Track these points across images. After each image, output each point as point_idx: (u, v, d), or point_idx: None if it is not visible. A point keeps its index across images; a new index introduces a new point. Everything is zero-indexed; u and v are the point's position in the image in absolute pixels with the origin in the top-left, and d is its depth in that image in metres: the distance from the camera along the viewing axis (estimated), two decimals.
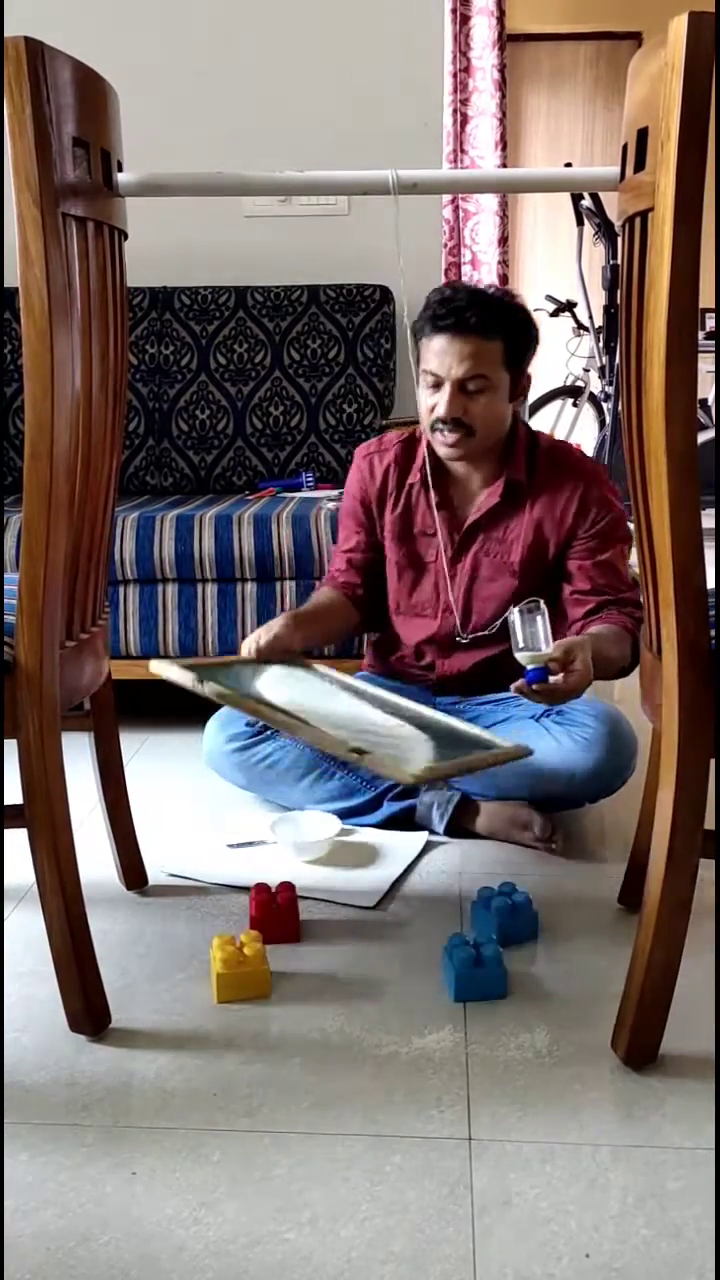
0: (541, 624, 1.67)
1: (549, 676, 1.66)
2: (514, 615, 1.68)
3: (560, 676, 1.66)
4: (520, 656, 1.67)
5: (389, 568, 2.09)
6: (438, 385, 1.89)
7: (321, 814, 1.93)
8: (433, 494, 2.00)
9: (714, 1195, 1.13)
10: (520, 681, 1.67)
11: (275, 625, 1.91)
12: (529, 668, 1.66)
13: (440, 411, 1.89)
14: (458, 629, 2.03)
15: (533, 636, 1.67)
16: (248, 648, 1.88)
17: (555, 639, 1.74)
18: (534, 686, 1.66)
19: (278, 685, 1.79)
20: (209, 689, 1.67)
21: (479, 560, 2.01)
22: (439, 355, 1.88)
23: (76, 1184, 1.16)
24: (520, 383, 1.94)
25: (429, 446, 2.00)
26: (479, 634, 2.02)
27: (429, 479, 1.99)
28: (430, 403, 1.91)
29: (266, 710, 1.63)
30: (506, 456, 1.99)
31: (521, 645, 1.67)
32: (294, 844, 1.85)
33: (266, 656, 1.87)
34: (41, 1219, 1.11)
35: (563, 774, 1.88)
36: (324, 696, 1.80)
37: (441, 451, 1.96)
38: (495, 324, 1.87)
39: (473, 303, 1.86)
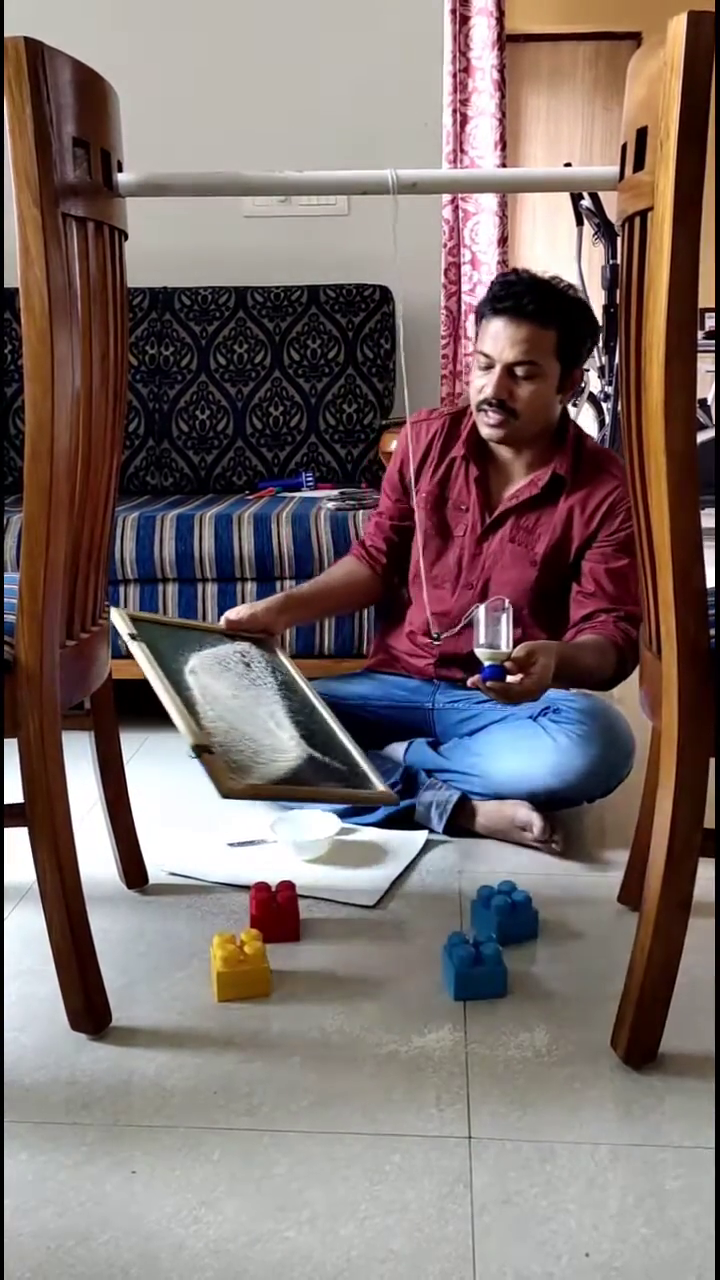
0: (505, 623, 1.72)
1: (504, 675, 1.71)
2: (479, 611, 1.72)
3: (517, 677, 1.70)
4: (479, 652, 1.73)
5: (416, 534, 2.11)
6: (489, 367, 1.94)
7: (321, 813, 1.93)
8: (473, 468, 2.04)
9: (713, 1194, 1.13)
10: (475, 677, 1.72)
11: (260, 606, 2.00)
12: (485, 664, 1.71)
13: (487, 392, 1.94)
14: (431, 630, 2.05)
15: (494, 634, 1.72)
16: (225, 616, 1.98)
17: (557, 637, 1.75)
18: (488, 683, 1.71)
19: (212, 664, 1.82)
20: (134, 646, 1.73)
21: (504, 545, 2.03)
22: (493, 338, 1.92)
23: (76, 1183, 1.16)
24: (572, 376, 1.98)
25: (475, 426, 2.04)
26: (450, 633, 2.03)
27: (472, 453, 2.04)
28: (480, 383, 1.96)
29: (160, 685, 1.67)
30: (554, 449, 2.02)
31: (482, 641, 1.72)
32: (294, 843, 1.85)
33: (236, 630, 1.97)
34: (41, 1218, 1.11)
35: (559, 772, 1.88)
36: (247, 687, 1.83)
37: (484, 431, 2.00)
38: (552, 313, 1.91)
39: (532, 289, 1.91)
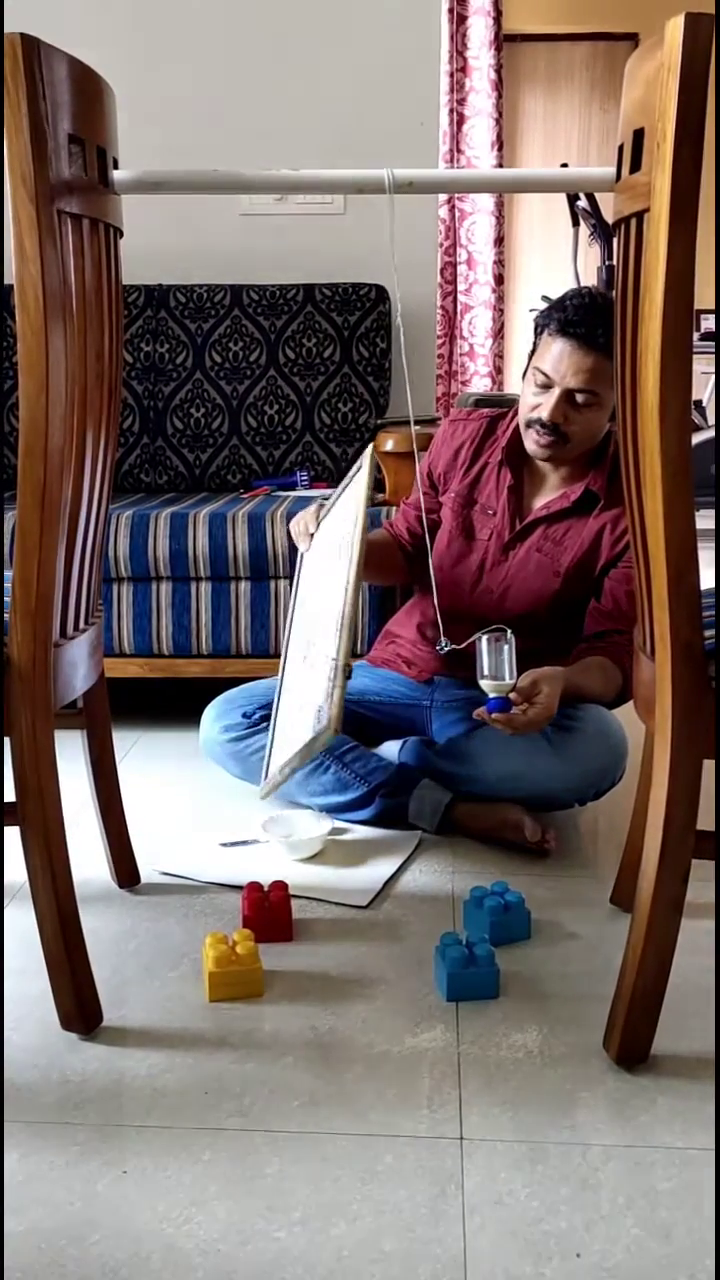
0: (507, 654, 1.70)
1: (510, 707, 1.70)
2: (481, 642, 1.70)
3: (522, 708, 1.70)
4: (484, 684, 1.71)
5: (441, 532, 2.10)
6: (547, 386, 1.89)
7: (314, 813, 1.93)
8: (508, 474, 2.02)
9: (705, 1195, 1.13)
10: (481, 709, 1.72)
11: (317, 509, 2.00)
12: (490, 696, 1.70)
13: (543, 415, 1.89)
14: (443, 642, 2.02)
15: (497, 665, 1.70)
16: (301, 525, 2.02)
17: (572, 649, 1.74)
18: (493, 715, 1.70)
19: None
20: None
21: (530, 554, 2.01)
22: (556, 360, 1.87)
23: (67, 1183, 1.15)
24: None
25: (515, 433, 2.01)
26: (457, 648, 2.01)
27: (509, 460, 2.02)
28: (534, 401, 1.91)
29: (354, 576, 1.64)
30: (591, 464, 1.99)
31: (486, 673, 1.70)
32: (286, 843, 1.85)
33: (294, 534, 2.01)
34: (32, 1217, 1.11)
35: (552, 774, 1.88)
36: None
37: (530, 449, 1.97)
38: None
39: (608, 319, 1.83)
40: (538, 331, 1.93)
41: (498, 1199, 1.13)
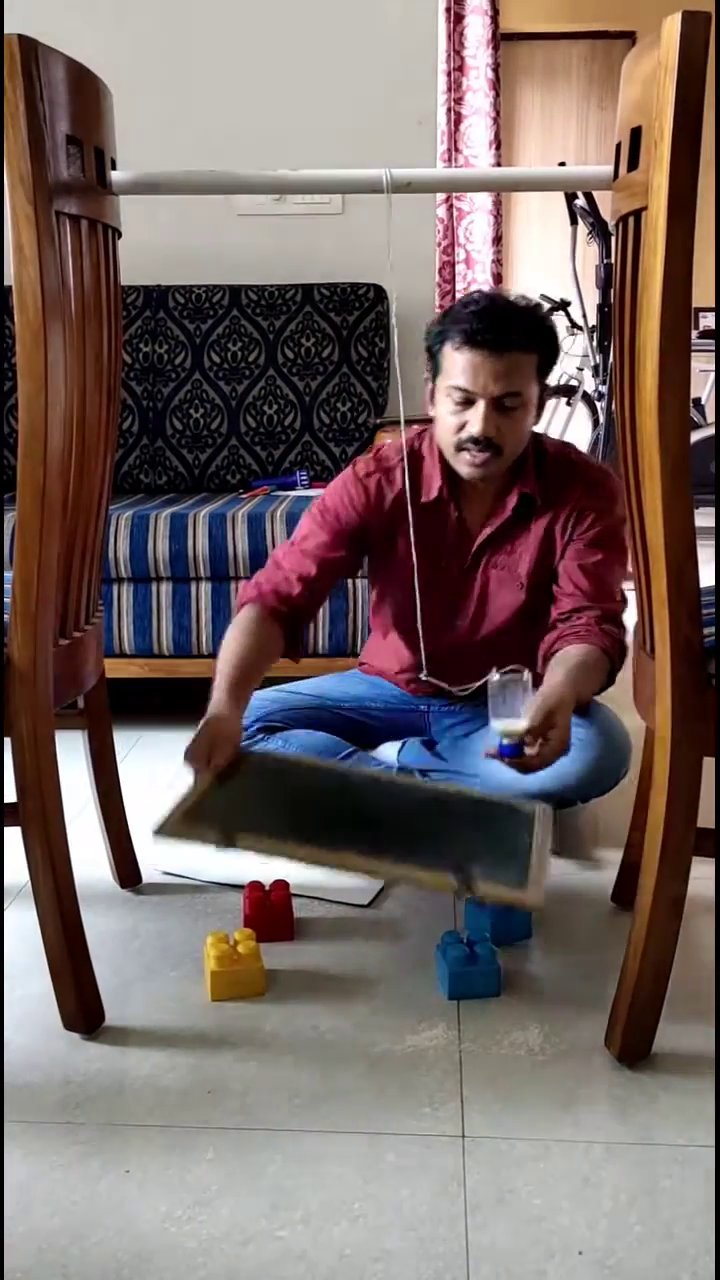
0: (521, 695, 1.61)
1: (523, 750, 1.60)
2: (493, 682, 1.62)
3: (536, 747, 1.60)
4: (495, 724, 1.61)
5: (401, 584, 1.95)
6: (468, 402, 1.79)
7: None
8: (453, 509, 1.92)
9: (706, 1192, 1.14)
10: (493, 750, 1.62)
11: (215, 729, 1.62)
12: (502, 742, 1.60)
13: (475, 430, 1.78)
14: (423, 665, 1.98)
15: (513, 708, 1.61)
16: (201, 765, 1.61)
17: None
18: (507, 760, 1.60)
19: (276, 791, 1.63)
20: (243, 845, 1.46)
21: (489, 573, 1.96)
22: (472, 373, 1.76)
23: (69, 1182, 1.15)
24: (543, 395, 1.86)
25: (443, 462, 1.90)
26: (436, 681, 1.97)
27: (450, 495, 1.91)
28: (458, 421, 1.80)
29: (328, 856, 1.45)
30: (517, 469, 1.91)
31: (500, 715, 1.61)
32: None
33: (227, 768, 1.61)
34: (34, 1217, 1.11)
35: (557, 775, 1.86)
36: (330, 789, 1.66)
37: (465, 471, 1.86)
38: (532, 337, 1.78)
39: (511, 318, 1.77)
40: (434, 349, 1.82)
41: (500, 1197, 1.13)
